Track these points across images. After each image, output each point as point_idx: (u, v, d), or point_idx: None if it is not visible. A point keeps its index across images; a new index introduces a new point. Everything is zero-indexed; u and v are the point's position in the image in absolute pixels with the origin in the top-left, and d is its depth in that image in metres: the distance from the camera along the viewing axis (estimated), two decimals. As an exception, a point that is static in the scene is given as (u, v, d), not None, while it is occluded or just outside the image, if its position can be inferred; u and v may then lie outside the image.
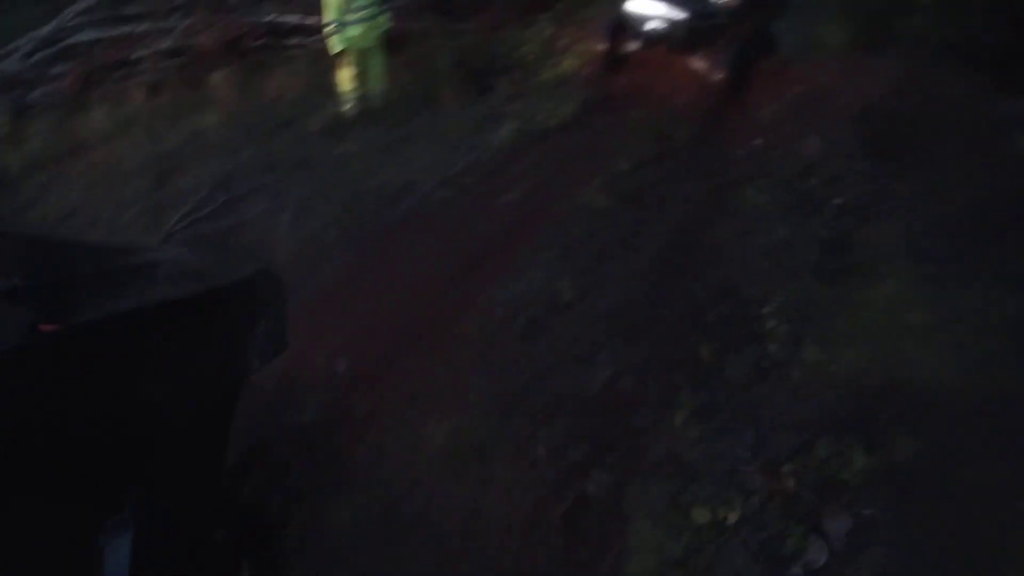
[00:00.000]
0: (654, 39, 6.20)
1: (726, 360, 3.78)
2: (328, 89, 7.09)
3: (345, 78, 6.66)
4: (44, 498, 1.00)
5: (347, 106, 6.78)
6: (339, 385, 4.14)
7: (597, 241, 4.69)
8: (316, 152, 6.47)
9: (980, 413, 3.62)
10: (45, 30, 8.15)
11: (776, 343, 3.90)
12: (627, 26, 6.38)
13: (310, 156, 6.42)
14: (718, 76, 5.90)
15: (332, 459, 3.70)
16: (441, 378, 4.00)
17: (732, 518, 2.94)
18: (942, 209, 5.08)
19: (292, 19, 8.39)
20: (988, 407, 3.64)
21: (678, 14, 5.99)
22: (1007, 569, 2.99)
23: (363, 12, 6.31)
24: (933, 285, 4.50)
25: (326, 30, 6.38)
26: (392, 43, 7.79)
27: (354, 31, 6.33)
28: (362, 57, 6.61)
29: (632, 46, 6.51)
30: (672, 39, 6.07)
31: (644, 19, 6.17)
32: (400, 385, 4.03)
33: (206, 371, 1.50)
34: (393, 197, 5.58)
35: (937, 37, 5.61)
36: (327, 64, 7.05)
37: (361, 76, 6.72)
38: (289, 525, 3.32)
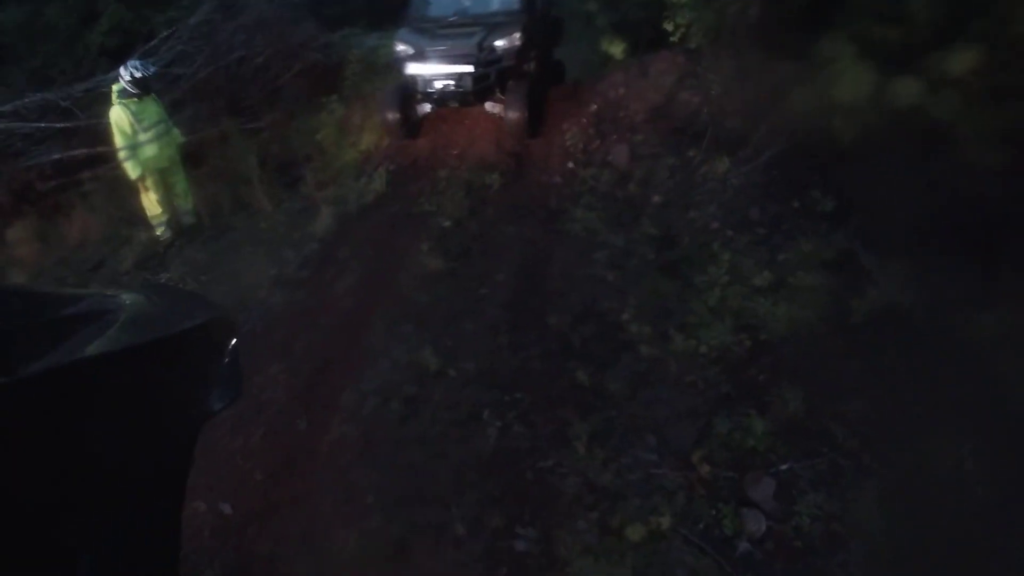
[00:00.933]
0: (444, 97, 6.30)
1: (605, 376, 3.80)
2: (133, 219, 6.61)
3: (151, 203, 6.23)
4: None
5: (159, 231, 6.34)
6: (232, 531, 3.72)
7: (445, 303, 4.62)
8: (136, 288, 5.95)
9: (841, 346, 3.89)
10: None
11: (645, 344, 3.99)
12: (413, 91, 6.44)
13: (128, 296, 5.89)
14: (515, 115, 6.06)
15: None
16: (333, 489, 3.69)
17: (665, 523, 2.90)
18: (749, 178, 5.51)
19: (79, 153, 7.81)
20: (845, 339, 3.92)
21: (462, 68, 6.13)
22: (921, 474, 3.18)
23: (153, 130, 5.98)
24: (764, 246, 4.83)
25: (120, 156, 5.94)
26: (192, 155, 7.50)
27: (149, 152, 5.95)
28: (162, 177, 6.22)
29: (423, 109, 6.58)
30: (461, 93, 6.19)
31: (427, 80, 6.25)
32: (294, 511, 3.67)
33: (162, 420, 1.45)
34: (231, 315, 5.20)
35: (704, 27, 6.08)
36: (126, 193, 6.59)
37: (166, 197, 6.31)
38: None
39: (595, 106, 6.46)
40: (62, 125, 7.83)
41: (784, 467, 3.14)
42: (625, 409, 3.58)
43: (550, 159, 6.21)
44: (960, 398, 3.35)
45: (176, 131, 6.36)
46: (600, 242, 5.10)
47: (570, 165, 6.06)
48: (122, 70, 5.78)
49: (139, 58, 6.16)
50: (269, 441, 4.05)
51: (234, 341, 1.89)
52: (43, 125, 7.78)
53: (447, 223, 5.60)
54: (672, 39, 6.34)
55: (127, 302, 1.66)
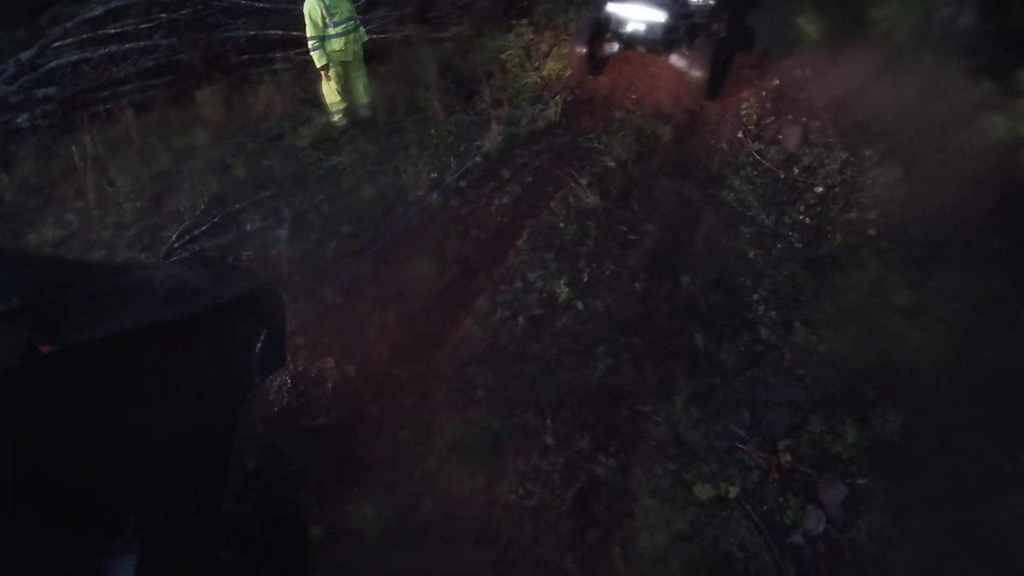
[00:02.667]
0: (632, 40, 6.35)
1: (720, 346, 3.97)
2: (315, 102, 7.21)
3: (330, 91, 6.78)
4: (45, 520, 0.98)
5: (335, 118, 6.90)
6: (351, 390, 4.25)
7: (590, 240, 4.86)
8: (308, 166, 6.57)
9: (963, 385, 3.83)
10: (28, 54, 8.16)
11: (767, 328, 4.10)
12: (604, 29, 6.52)
13: (302, 170, 6.52)
14: (697, 73, 6.05)
15: (349, 460, 3.82)
16: (449, 377, 4.13)
17: (733, 492, 3.11)
18: (921, 193, 5.30)
19: (273, 34, 8.49)
20: (970, 379, 3.85)
21: (655, 15, 6.15)
22: (994, 532, 3.20)
23: (342, 26, 6.46)
24: (915, 267, 4.71)
25: (309, 44, 6.48)
26: (376, 54, 7.95)
27: (335, 45, 6.46)
28: (345, 70, 6.74)
29: (611, 48, 6.65)
30: (650, 40, 6.22)
31: (621, 21, 6.32)
32: (410, 386, 4.15)
33: (207, 388, 1.51)
34: (388, 206, 5.70)
35: (909, 24, 5.78)
36: (312, 77, 7.18)
37: (346, 88, 6.85)
38: (311, 525, 3.44)
39: (778, 81, 6.31)
40: (261, 4, 8.49)
41: (861, 481, 3.24)
42: (730, 381, 3.75)
43: (722, 124, 6.18)
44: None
45: (363, 30, 6.79)
46: (750, 217, 5.14)
47: (739, 135, 6.01)
48: None
49: None
50: (403, 324, 4.52)
51: (276, 313, 1.99)
52: (242, 2, 8.47)
53: (611, 163, 5.77)
54: (875, 29, 6.04)
55: (173, 274, 1.68)
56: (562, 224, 5.01)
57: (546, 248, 4.81)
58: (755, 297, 4.32)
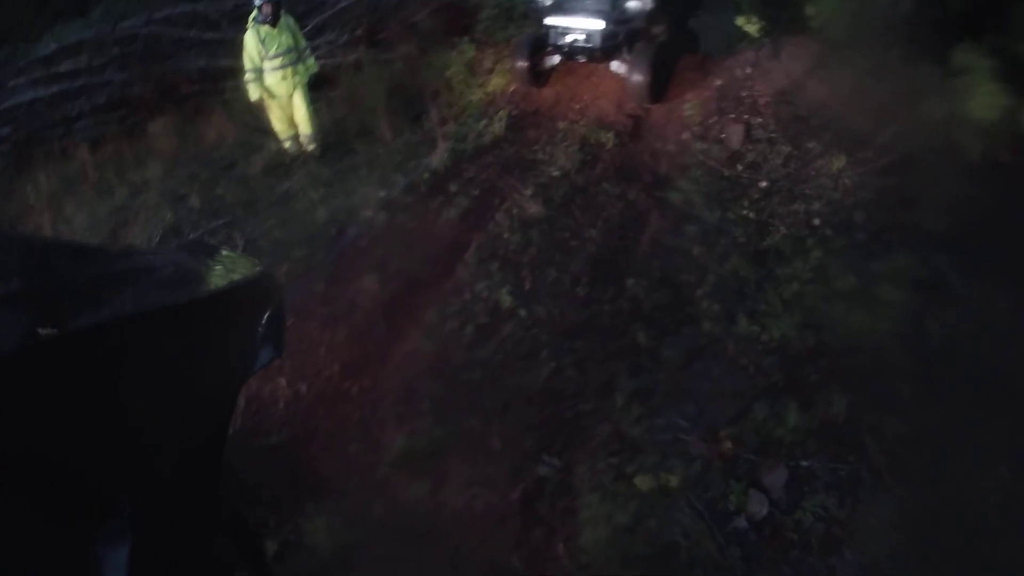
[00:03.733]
0: (572, 51, 6.43)
1: (663, 343, 3.98)
2: (266, 130, 7.18)
3: (276, 121, 6.72)
4: (38, 504, 0.99)
5: (287, 144, 6.87)
6: (303, 407, 4.24)
7: (533, 248, 4.89)
8: (260, 192, 6.57)
9: (907, 363, 3.86)
10: (-21, 95, 8.13)
11: (710, 321, 4.12)
12: (544, 42, 6.60)
13: (254, 197, 6.51)
14: (639, 78, 6.13)
15: (302, 475, 3.80)
16: (397, 389, 4.12)
17: (674, 482, 3.10)
18: (863, 179, 5.39)
19: (224, 64, 8.50)
20: (913, 357, 3.89)
21: (593, 24, 6.23)
22: (941, 504, 3.21)
23: (279, 60, 6.30)
24: (858, 252, 4.77)
25: (245, 77, 6.43)
26: (326, 79, 7.98)
27: (270, 79, 6.36)
28: (283, 102, 6.64)
29: (552, 60, 6.74)
30: (589, 49, 6.30)
31: (560, 33, 6.40)
32: (360, 400, 4.15)
33: (206, 374, 1.51)
34: (339, 227, 5.70)
35: (845, 17, 5.89)
36: (263, 105, 7.18)
37: (293, 117, 6.83)
38: (267, 536, 3.40)
39: (720, 81, 6.42)
40: (210, 35, 8.51)
41: (805, 463, 3.25)
42: (674, 376, 3.77)
43: (667, 127, 6.26)
44: (1009, 447, 3.30)
45: (312, 60, 6.63)
46: (696, 216, 5.18)
47: (684, 136, 6.09)
48: None
49: None
50: (352, 340, 4.52)
51: (276, 301, 1.92)
52: (191, 34, 8.50)
53: (555, 172, 5.83)
54: (812, 24, 6.16)
55: (171, 260, 1.70)
56: (507, 235, 5.03)
57: (492, 259, 4.83)
58: (699, 293, 4.34)
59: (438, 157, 6.33)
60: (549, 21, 6.49)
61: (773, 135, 5.95)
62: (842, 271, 4.49)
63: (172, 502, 1.28)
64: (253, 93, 6.40)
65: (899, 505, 3.12)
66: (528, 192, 5.46)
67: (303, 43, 6.60)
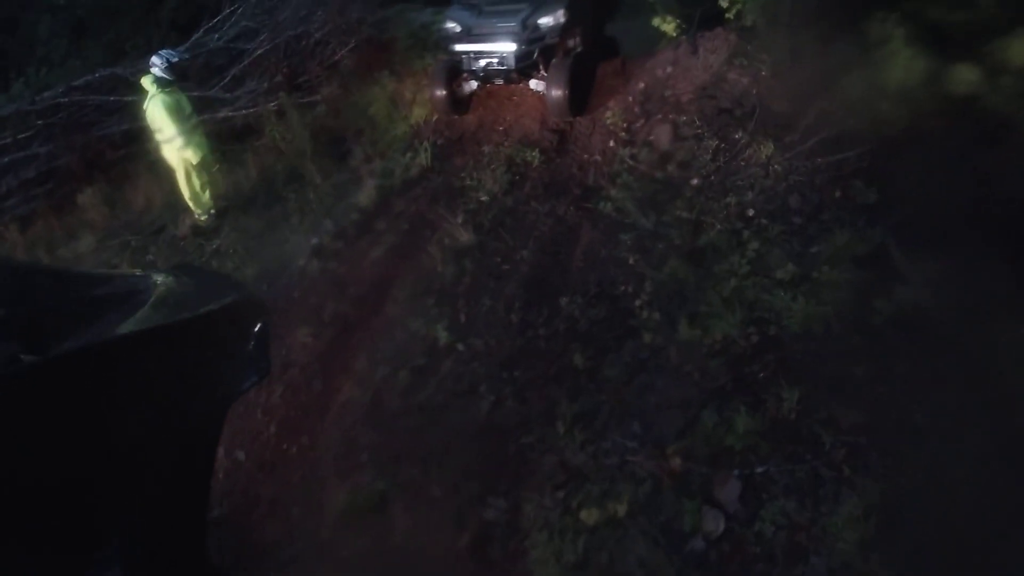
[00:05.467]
0: (488, 75, 6.33)
1: (604, 361, 3.82)
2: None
3: (206, 177, 6.51)
4: (26, 532, 0.97)
5: (215, 201, 6.64)
6: (242, 475, 4.03)
7: (467, 278, 4.72)
8: (190, 254, 6.35)
9: (855, 343, 3.74)
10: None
11: (651, 331, 3.97)
12: (459, 68, 6.49)
13: (185, 259, 6.28)
14: (557, 93, 6.03)
15: (246, 545, 3.63)
16: (337, 445, 3.92)
17: (622, 511, 2.91)
18: (793, 162, 5.31)
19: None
20: (860, 336, 3.77)
21: (505, 46, 6.14)
22: (905, 493, 3.06)
23: (162, 135, 6.06)
24: (796, 238, 4.67)
25: (160, 140, 6.19)
26: (250, 129, 7.80)
27: (191, 140, 6.13)
28: (210, 159, 6.43)
29: (470, 86, 6.63)
30: (504, 71, 6.20)
31: (473, 58, 6.29)
32: (298, 461, 3.97)
33: (192, 397, 1.49)
34: (270, 281, 5.49)
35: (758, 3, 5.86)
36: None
37: (218, 174, 6.64)
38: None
39: (642, 84, 6.34)
40: (131, 98, 8.28)
41: (760, 470, 3.08)
42: (616, 394, 3.60)
43: (592, 137, 6.16)
44: (970, 419, 3.17)
45: (199, 140, 6.28)
46: (629, 224, 5.06)
47: (611, 144, 5.99)
48: (155, 59, 5.84)
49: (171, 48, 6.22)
50: (287, 399, 4.31)
51: (261, 323, 1.94)
52: (112, 99, 8.28)
53: (484, 197, 5.68)
54: (727, 16, 6.13)
55: (157, 283, 1.68)
56: (439, 267, 4.86)
57: (426, 294, 4.65)
58: (637, 303, 4.20)
59: (366, 195, 6.17)
60: (461, 48, 6.39)
61: (700, 131, 5.87)
62: (781, 259, 4.37)
63: (160, 525, 1.25)
64: (170, 154, 6.19)
65: (863, 500, 2.95)
66: (458, 220, 5.29)
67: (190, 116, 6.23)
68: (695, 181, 5.49)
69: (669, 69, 6.45)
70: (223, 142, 7.79)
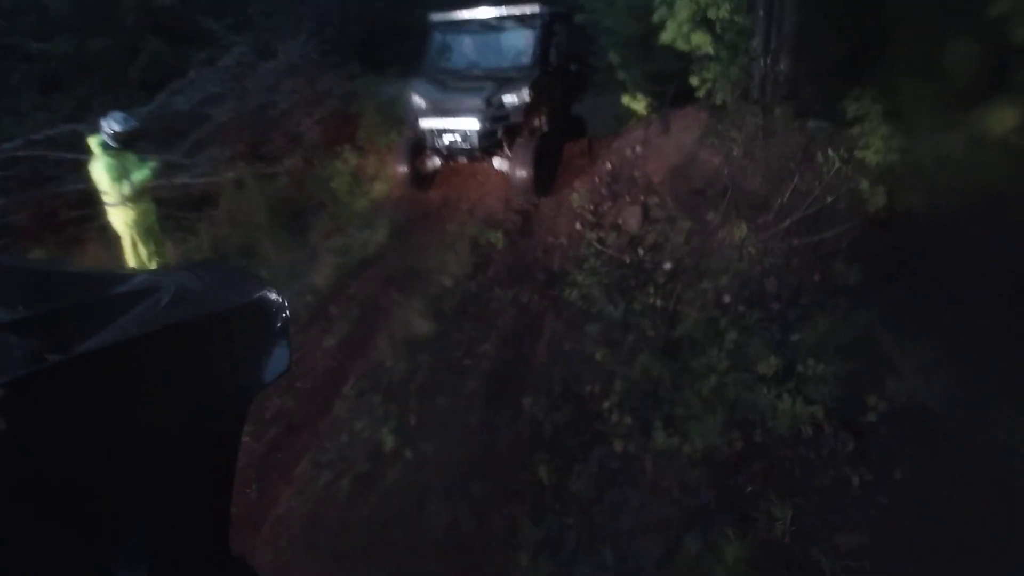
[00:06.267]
0: (451, 152, 6.09)
1: (571, 474, 3.39)
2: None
3: (152, 246, 6.05)
4: (52, 529, 0.95)
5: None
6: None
7: (423, 373, 4.30)
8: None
9: (848, 453, 3.37)
10: None
11: (622, 438, 3.56)
12: (423, 145, 6.26)
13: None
14: (522, 173, 5.78)
15: None
16: (267, 569, 3.38)
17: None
18: (769, 244, 5.06)
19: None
20: (854, 444, 3.40)
21: (468, 123, 5.91)
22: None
23: (108, 197, 5.65)
24: (776, 325, 4.36)
25: (106, 205, 5.79)
26: (207, 198, 7.44)
27: (138, 206, 5.73)
28: (157, 228, 6.01)
29: (433, 163, 6.39)
30: (468, 149, 5.97)
31: (436, 135, 6.06)
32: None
33: (213, 392, 1.36)
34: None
35: (729, 82, 5.73)
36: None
37: (166, 243, 6.21)
38: None
39: (610, 164, 6.12)
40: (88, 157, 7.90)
41: (751, 608, 2.66)
42: (586, 515, 3.17)
43: (558, 219, 5.89)
44: (981, 528, 2.82)
45: (147, 203, 5.88)
46: (596, 313, 4.72)
47: (578, 226, 5.71)
48: (104, 121, 5.48)
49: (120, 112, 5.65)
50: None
51: (283, 317, 1.67)
52: (71, 156, 7.90)
53: (447, 282, 5.32)
54: (698, 95, 5.99)
55: (177, 280, 1.55)
56: (389, 361, 4.44)
57: (373, 391, 4.22)
58: (606, 405, 3.80)
59: (321, 275, 5.78)
60: (425, 124, 6.15)
61: (672, 213, 5.62)
62: (762, 350, 4.04)
63: (185, 520, 1.21)
64: (115, 220, 5.76)
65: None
66: (417, 306, 4.91)
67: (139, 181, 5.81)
68: (668, 265, 5.21)
69: (638, 149, 6.26)
70: (178, 209, 7.44)
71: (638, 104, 6.78)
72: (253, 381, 1.50)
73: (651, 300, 4.79)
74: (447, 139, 5.99)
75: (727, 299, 4.70)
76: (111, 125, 5.36)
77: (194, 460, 1.27)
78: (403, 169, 6.26)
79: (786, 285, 4.72)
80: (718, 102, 5.92)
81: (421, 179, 6.41)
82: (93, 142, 5.48)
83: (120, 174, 5.49)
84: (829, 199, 4.93)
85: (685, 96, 6.32)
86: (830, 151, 4.99)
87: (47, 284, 1.38)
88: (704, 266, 5.10)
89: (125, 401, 1.09)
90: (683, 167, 5.97)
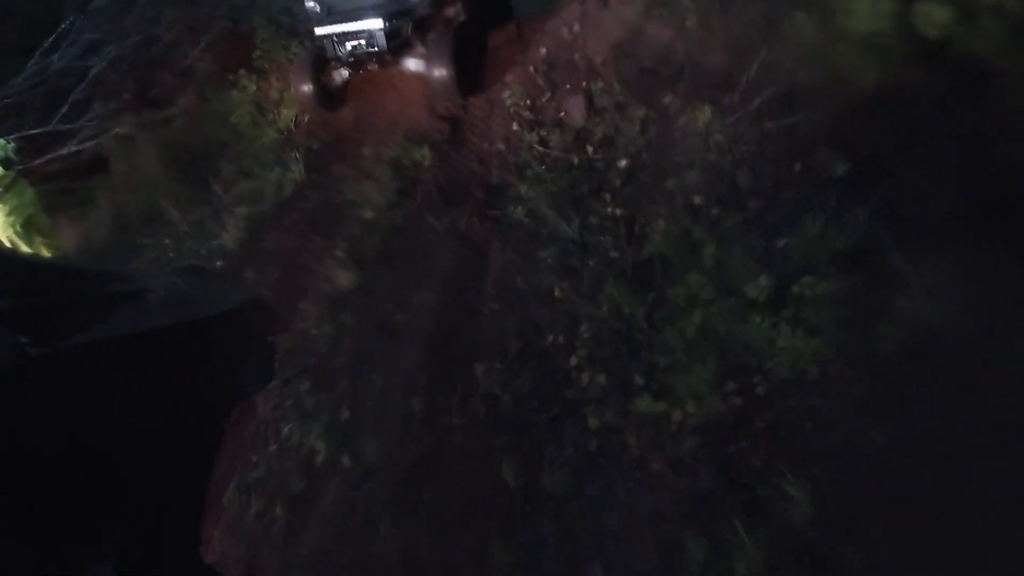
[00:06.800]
0: (357, 59, 5.14)
1: (542, 464, 2.78)
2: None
3: (37, 240, 5.34)
4: (24, 532, 0.94)
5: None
6: None
7: (350, 340, 3.62)
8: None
9: (863, 397, 2.77)
10: None
11: (596, 405, 2.94)
12: (325, 56, 5.29)
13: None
14: (440, 72, 4.89)
15: None
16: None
17: None
18: (737, 132, 4.30)
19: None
20: (868, 385, 2.80)
21: (370, 23, 4.94)
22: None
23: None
24: (758, 231, 3.67)
25: None
26: (101, 162, 6.51)
27: (9, 201, 5.04)
28: (42, 219, 5.29)
29: (340, 76, 5.45)
30: (375, 53, 5.03)
31: (337, 41, 5.08)
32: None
33: (195, 398, 1.46)
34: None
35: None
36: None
37: (53, 232, 5.41)
38: None
39: (544, 50, 5.21)
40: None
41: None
42: (563, 519, 2.59)
43: (491, 121, 5.05)
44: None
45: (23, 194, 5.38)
46: (548, 234, 4.02)
47: (515, 127, 4.88)
48: None
49: None
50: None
51: (267, 328, 1.91)
52: None
53: (368, 214, 4.56)
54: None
55: (166, 283, 1.67)
56: (314, 330, 3.74)
57: (300, 377, 3.54)
58: (574, 361, 3.16)
59: (231, 232, 4.99)
60: (322, 31, 5.16)
61: (620, 99, 4.80)
62: (748, 267, 3.35)
63: (160, 529, 1.23)
64: None
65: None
66: (339, 252, 4.17)
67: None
68: (623, 163, 4.45)
69: (576, 28, 5.31)
70: (72, 180, 6.51)
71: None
72: (236, 387, 1.61)
73: (609, 209, 4.07)
74: (349, 45, 5.05)
75: (697, 200, 3.98)
76: None
77: (170, 465, 1.28)
78: (307, 88, 5.35)
79: (762, 178, 3.98)
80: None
81: (330, 97, 5.51)
82: None
83: None
84: (803, 74, 4.13)
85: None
86: (802, 14, 4.16)
87: (36, 278, 1.31)
88: (666, 161, 4.35)
89: (106, 401, 1.11)
90: (629, 44, 5.08)
